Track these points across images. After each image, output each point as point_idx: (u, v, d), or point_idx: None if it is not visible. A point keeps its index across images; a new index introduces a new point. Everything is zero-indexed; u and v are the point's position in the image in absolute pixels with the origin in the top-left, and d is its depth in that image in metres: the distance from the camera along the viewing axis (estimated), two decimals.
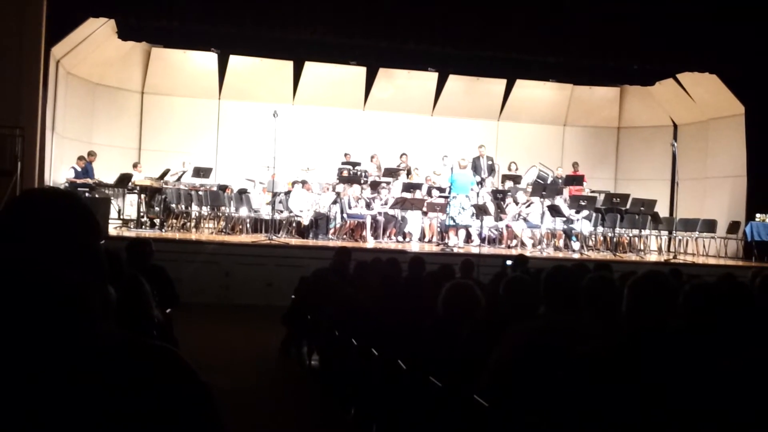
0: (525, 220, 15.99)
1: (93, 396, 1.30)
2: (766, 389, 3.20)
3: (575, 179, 17.49)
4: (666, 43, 15.71)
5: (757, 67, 16.03)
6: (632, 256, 15.51)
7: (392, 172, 17.10)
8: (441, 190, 16.30)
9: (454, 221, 15.23)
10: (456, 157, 16.20)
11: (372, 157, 17.93)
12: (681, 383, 2.96)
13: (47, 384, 1.27)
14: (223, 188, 16.64)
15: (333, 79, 19.33)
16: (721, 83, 16.82)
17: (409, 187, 16.15)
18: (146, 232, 14.83)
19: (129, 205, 16.70)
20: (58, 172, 15.71)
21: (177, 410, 1.41)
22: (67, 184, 15.47)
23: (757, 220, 15.89)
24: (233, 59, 18.81)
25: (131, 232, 14.69)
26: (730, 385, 3.09)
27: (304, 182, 16.44)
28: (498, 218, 16.33)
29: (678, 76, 18.25)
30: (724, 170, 17.71)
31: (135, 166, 17.17)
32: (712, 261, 15.58)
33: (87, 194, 14.83)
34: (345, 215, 15.78)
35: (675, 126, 19.85)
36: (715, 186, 18.05)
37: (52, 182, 14.97)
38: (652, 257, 15.93)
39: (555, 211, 15.34)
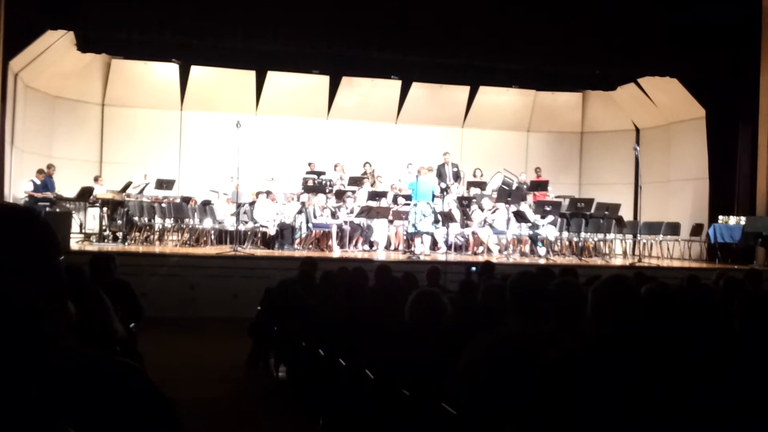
0: (491, 226, 16.05)
1: (55, 416, 1.26)
2: (734, 388, 3.22)
3: (540, 185, 17.62)
4: (626, 49, 15.90)
5: (716, 70, 16.28)
6: (598, 261, 15.64)
7: (356, 181, 17.09)
8: (406, 197, 16.31)
9: (416, 228, 15.25)
10: (421, 165, 16.23)
11: (336, 166, 17.92)
12: (647, 386, 2.96)
13: (7, 405, 1.24)
14: (186, 200, 16.53)
15: (296, 89, 19.31)
16: (681, 87, 17.05)
17: (374, 196, 16.15)
18: (109, 246, 14.68)
19: (91, 219, 16.51)
20: (18, 186, 15.50)
21: (141, 428, 1.39)
22: (26, 198, 15.28)
23: (719, 222, 16.10)
24: (195, 70, 18.72)
25: (93, 246, 14.52)
26: (699, 385, 3.10)
27: (268, 192, 16.38)
28: (464, 225, 16.37)
29: (639, 80, 18.47)
30: (686, 173, 17.94)
31: (96, 179, 17.02)
32: (676, 263, 15.75)
33: (48, 208, 14.66)
34: (310, 225, 15.74)
35: (637, 130, 20.08)
36: (677, 189, 18.28)
37: (11, 197, 14.77)
38: (618, 261, 16.08)
39: (520, 217, 15.42)
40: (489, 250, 15.92)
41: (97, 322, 5.17)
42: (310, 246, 15.75)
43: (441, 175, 17.16)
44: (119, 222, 15.95)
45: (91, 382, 1.36)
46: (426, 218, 15.23)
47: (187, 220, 16.00)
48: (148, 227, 16.25)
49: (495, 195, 16.47)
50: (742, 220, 15.88)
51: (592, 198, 16.69)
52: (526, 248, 16.31)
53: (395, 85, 19.73)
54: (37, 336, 1.29)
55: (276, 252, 14.93)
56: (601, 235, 16.68)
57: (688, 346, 3.70)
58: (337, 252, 15.18)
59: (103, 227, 15.92)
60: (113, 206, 15.97)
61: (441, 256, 14.86)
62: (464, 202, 16.74)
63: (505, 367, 3.57)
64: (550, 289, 3.93)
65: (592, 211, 16.32)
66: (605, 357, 3.04)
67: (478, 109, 20.38)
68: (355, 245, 16.01)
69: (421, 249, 15.23)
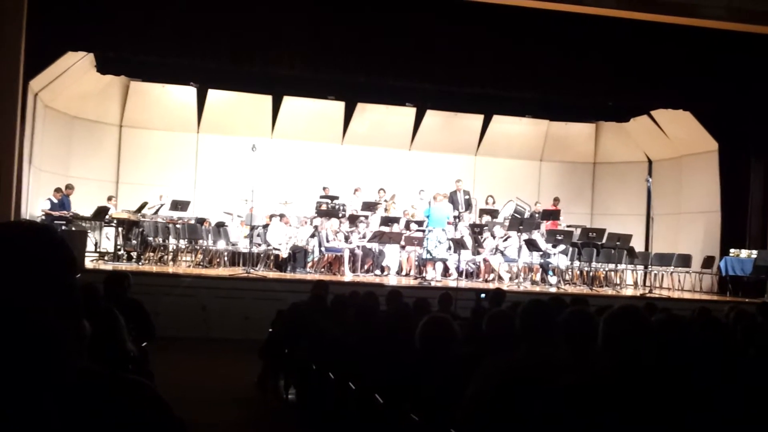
0: (502, 254, 16.05)
1: None
2: (741, 421, 3.24)
3: (552, 214, 17.60)
4: (640, 81, 15.94)
5: (729, 104, 16.29)
6: (608, 291, 15.58)
7: (370, 206, 17.14)
8: (419, 223, 16.34)
9: (431, 254, 15.26)
10: (433, 191, 16.28)
11: (355, 191, 18.00)
12: (657, 416, 2.99)
13: (21, 422, 1.27)
14: (200, 221, 16.60)
15: (311, 114, 19.42)
16: (694, 120, 17.07)
17: (386, 221, 16.18)
18: (123, 266, 14.76)
19: (106, 239, 16.62)
20: (35, 205, 15.62)
21: None
22: (43, 217, 15.39)
23: (731, 255, 16.05)
24: (212, 93, 18.86)
25: (108, 266, 14.61)
26: (708, 416, 3.12)
27: (282, 216, 16.43)
28: (475, 252, 16.37)
29: (652, 112, 18.51)
30: (698, 206, 17.91)
31: (110, 199, 17.10)
32: (687, 295, 15.68)
33: (63, 227, 14.76)
34: (323, 249, 15.79)
35: (650, 162, 20.08)
36: (689, 221, 18.23)
37: (28, 215, 14.86)
38: (628, 291, 16.02)
39: (532, 245, 15.42)
40: (500, 278, 15.90)
41: (110, 340, 5.23)
42: (322, 269, 15.79)
43: (453, 202, 17.19)
44: (134, 242, 16.03)
45: (102, 399, 1.38)
46: (441, 245, 15.25)
47: (200, 241, 16.06)
48: (162, 247, 16.33)
49: (507, 223, 16.47)
50: (754, 253, 15.83)
51: (603, 228, 16.66)
52: (537, 277, 16.29)
53: (410, 112, 19.82)
54: (51, 352, 1.32)
55: (288, 275, 14.97)
56: (612, 266, 16.64)
57: (695, 377, 3.73)
58: (348, 276, 15.20)
59: (118, 247, 16.01)
60: (128, 226, 16.06)
61: (452, 282, 14.86)
62: (476, 230, 16.75)
63: (515, 394, 3.59)
64: (563, 317, 3.96)
65: (604, 241, 16.29)
66: (616, 385, 3.07)
67: (491, 137, 20.43)
68: (367, 270, 16.03)
69: (433, 275, 15.24)
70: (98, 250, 16.34)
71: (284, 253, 15.76)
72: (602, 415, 2.97)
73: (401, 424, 4.42)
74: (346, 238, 16.07)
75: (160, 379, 5.72)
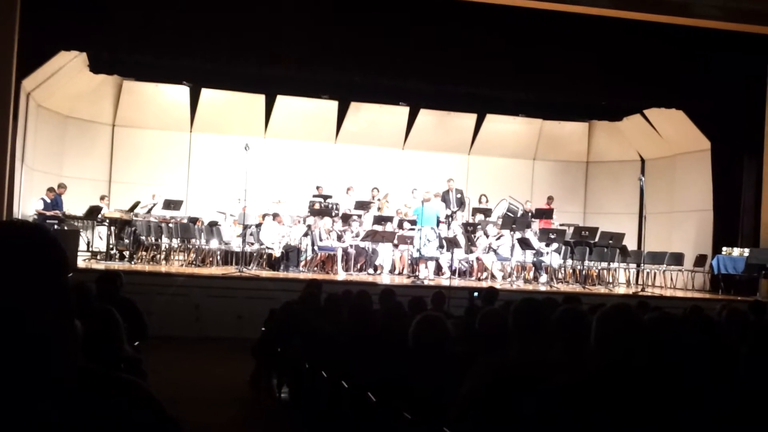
0: (495, 252, 16.07)
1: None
2: (733, 419, 3.26)
3: (545, 212, 17.63)
4: (633, 80, 15.98)
5: (722, 103, 16.34)
6: (601, 289, 15.62)
7: (363, 205, 17.15)
8: (412, 222, 16.35)
9: (420, 253, 15.28)
10: (426, 190, 16.30)
11: (348, 190, 18.00)
12: (650, 414, 2.99)
13: (20, 422, 1.27)
14: (193, 220, 16.58)
15: (305, 113, 19.40)
16: (687, 119, 17.11)
17: (379, 220, 16.19)
18: (116, 265, 14.73)
19: (98, 238, 16.59)
20: (27, 204, 15.58)
21: None
22: (35, 216, 15.35)
23: (723, 253, 16.10)
24: (205, 92, 18.82)
25: (100, 265, 14.58)
26: (700, 414, 3.13)
27: (275, 215, 16.43)
28: (468, 251, 16.38)
29: (645, 111, 18.54)
30: (690, 204, 17.96)
31: (102, 198, 17.06)
32: (679, 294, 15.73)
33: (56, 226, 14.72)
34: (316, 247, 15.78)
35: (642, 161, 20.12)
36: (682, 220, 18.28)
37: (20, 214, 14.83)
38: (621, 290, 16.06)
39: (525, 243, 15.44)
40: (493, 276, 15.93)
41: (104, 340, 5.21)
42: (315, 268, 15.78)
43: (445, 201, 17.20)
44: (126, 241, 16.01)
45: (96, 399, 1.38)
46: (430, 243, 15.25)
47: (193, 240, 16.05)
48: (154, 247, 16.31)
49: (500, 222, 16.50)
50: (746, 251, 15.88)
51: (596, 227, 16.69)
52: (530, 275, 16.32)
53: (403, 111, 19.81)
54: (50, 353, 1.32)
55: (281, 274, 14.95)
56: (604, 264, 16.69)
57: (688, 375, 3.74)
58: (341, 275, 15.21)
59: (110, 246, 15.98)
60: (121, 225, 16.04)
61: (445, 281, 14.87)
62: (469, 228, 16.77)
63: (508, 393, 3.60)
64: (556, 316, 3.97)
65: (597, 239, 16.33)
66: (609, 383, 3.08)
67: (484, 136, 20.44)
68: (360, 269, 16.04)
69: (426, 273, 15.25)
70: (91, 249, 16.31)
71: (277, 252, 15.76)
72: (595, 413, 2.98)
73: (394, 423, 4.43)
74: (339, 237, 16.07)
75: (153, 379, 5.71)
